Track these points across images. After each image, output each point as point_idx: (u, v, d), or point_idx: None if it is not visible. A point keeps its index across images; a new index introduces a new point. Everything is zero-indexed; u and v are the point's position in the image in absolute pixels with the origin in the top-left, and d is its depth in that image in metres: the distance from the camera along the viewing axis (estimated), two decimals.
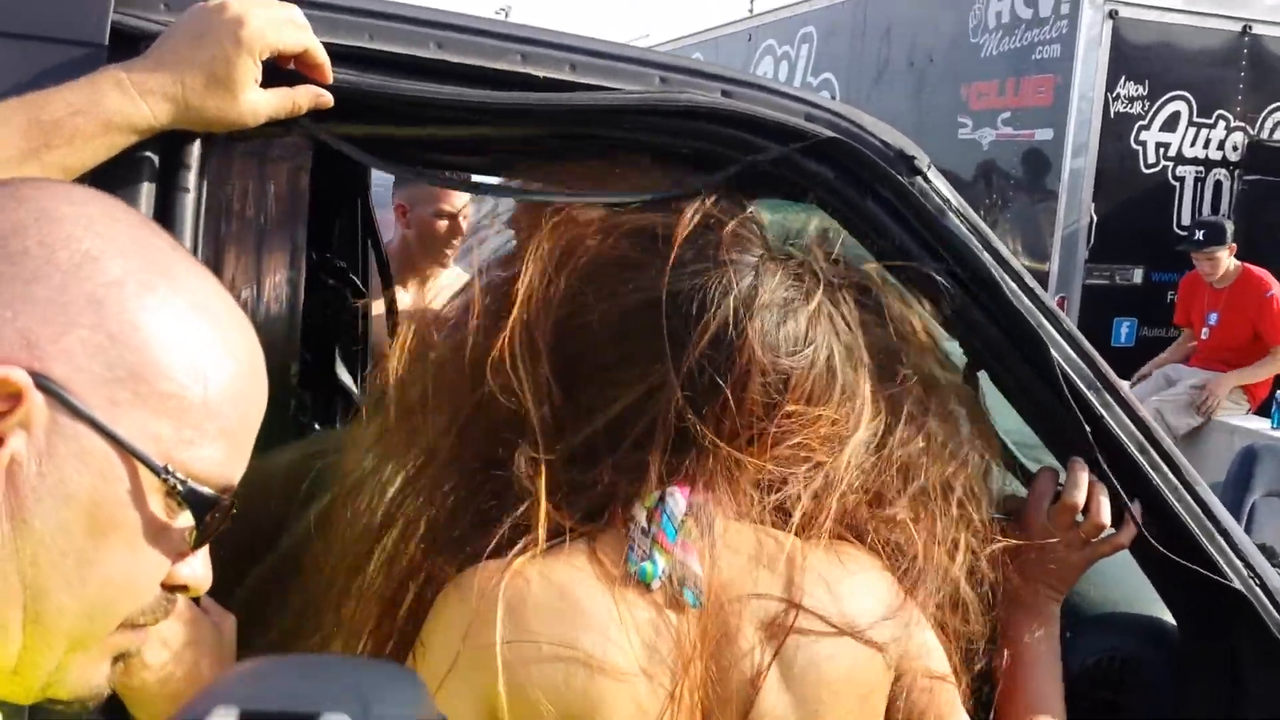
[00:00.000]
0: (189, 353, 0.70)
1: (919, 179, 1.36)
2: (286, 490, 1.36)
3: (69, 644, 0.71)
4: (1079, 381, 1.39)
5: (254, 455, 0.78)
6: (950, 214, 1.37)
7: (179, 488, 0.70)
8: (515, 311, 1.13)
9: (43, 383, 0.65)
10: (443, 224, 3.35)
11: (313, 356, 2.53)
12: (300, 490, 1.35)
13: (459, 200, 3.37)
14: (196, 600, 1.16)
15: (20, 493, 0.66)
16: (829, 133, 1.33)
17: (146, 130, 1.13)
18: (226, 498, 0.74)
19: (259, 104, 1.16)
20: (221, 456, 0.73)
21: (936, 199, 1.36)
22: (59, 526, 0.67)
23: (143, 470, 0.69)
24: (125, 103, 1.11)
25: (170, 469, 0.70)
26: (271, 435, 1.96)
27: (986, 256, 1.38)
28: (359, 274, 2.86)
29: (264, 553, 1.32)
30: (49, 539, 0.67)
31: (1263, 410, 6.52)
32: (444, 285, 3.45)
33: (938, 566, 1.18)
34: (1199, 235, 6.77)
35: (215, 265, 1.52)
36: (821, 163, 1.35)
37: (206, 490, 0.72)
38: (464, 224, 3.38)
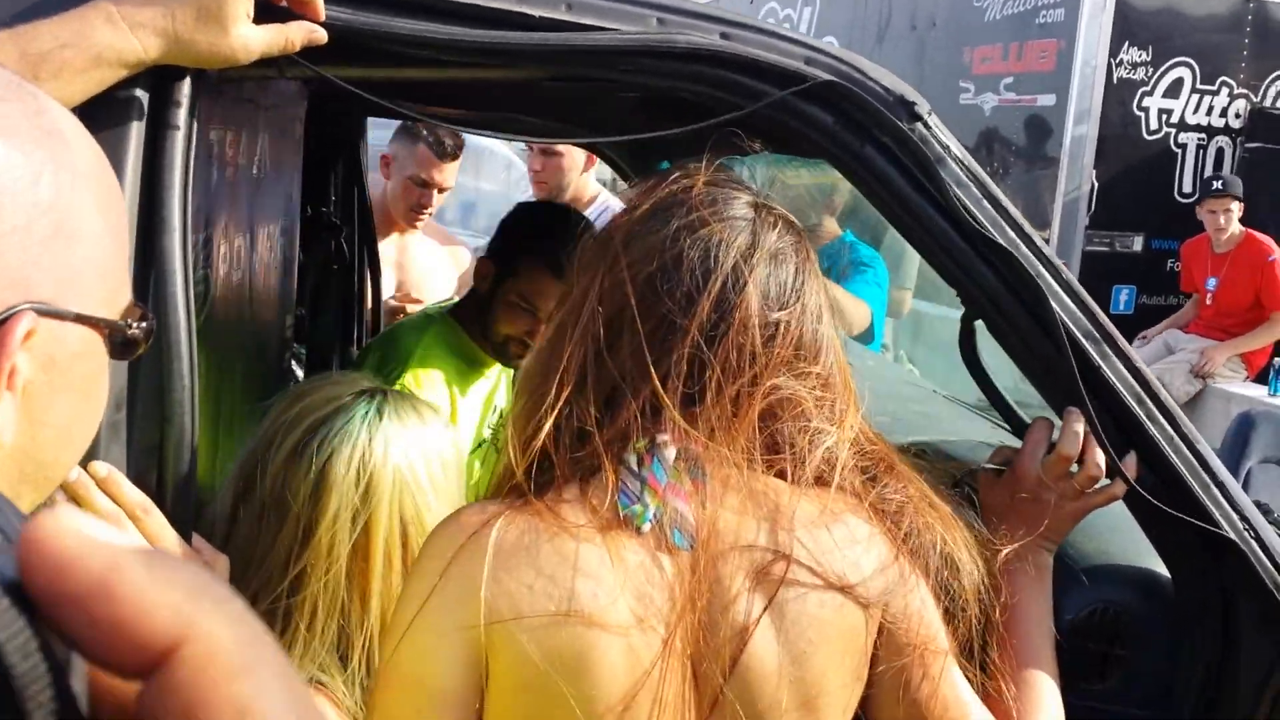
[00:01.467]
0: (103, 219, 0.73)
1: (919, 125, 1.35)
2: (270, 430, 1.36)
3: (58, 484, 0.78)
4: (1077, 332, 1.39)
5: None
6: (950, 161, 1.35)
7: (138, 333, 0.77)
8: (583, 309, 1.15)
9: (41, 309, 0.68)
10: (414, 191, 3.31)
11: (307, 311, 2.53)
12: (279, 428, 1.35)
13: (440, 174, 3.28)
14: (189, 540, 1.16)
15: (35, 403, 0.70)
16: (828, 76, 1.31)
17: (136, 64, 1.11)
18: (150, 316, 0.80)
19: (250, 39, 1.15)
20: (129, 285, 0.79)
21: (936, 145, 1.35)
22: (65, 415, 0.73)
23: (107, 331, 0.74)
24: (115, 36, 1.09)
25: (128, 321, 0.76)
26: (267, 388, 1.96)
27: (986, 205, 1.37)
28: (350, 228, 2.86)
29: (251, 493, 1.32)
30: (60, 428, 0.73)
31: (1260, 378, 6.52)
32: (406, 245, 3.45)
33: (931, 525, 1.17)
34: (1217, 184, 6.74)
35: (207, 213, 1.51)
36: (821, 108, 1.33)
37: (145, 324, 0.78)
38: (437, 197, 3.32)
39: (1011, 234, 1.37)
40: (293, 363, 2.31)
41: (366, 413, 1.33)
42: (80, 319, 0.71)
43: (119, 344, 0.76)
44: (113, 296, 0.74)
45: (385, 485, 1.30)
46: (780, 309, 1.13)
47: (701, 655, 1.05)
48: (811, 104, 1.32)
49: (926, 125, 1.35)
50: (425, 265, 3.53)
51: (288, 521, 1.29)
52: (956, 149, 1.37)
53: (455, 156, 3.29)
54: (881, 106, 1.33)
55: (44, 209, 0.68)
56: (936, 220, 1.35)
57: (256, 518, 1.31)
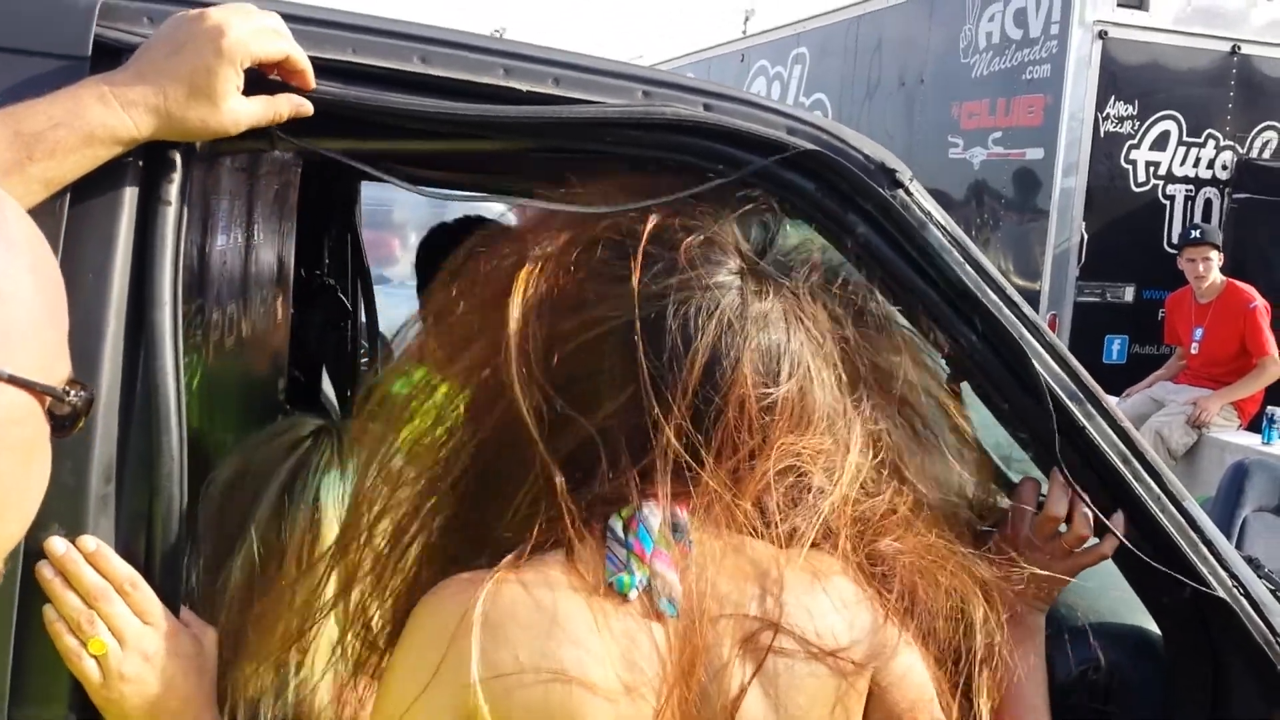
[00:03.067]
0: (35, 286, 0.73)
1: (900, 192, 1.36)
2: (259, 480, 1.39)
3: (4, 555, 0.76)
4: (1061, 393, 1.40)
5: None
6: (932, 226, 1.37)
7: (76, 402, 0.76)
8: (512, 335, 1.12)
9: None
10: None
11: (301, 373, 2.53)
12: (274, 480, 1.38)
13: None
14: (177, 613, 1.16)
15: None
16: (810, 145, 1.34)
17: (129, 141, 1.13)
18: (90, 389, 0.80)
19: (240, 113, 1.17)
20: (68, 360, 0.79)
21: (918, 211, 1.37)
22: (2, 480, 0.71)
23: (47, 399, 0.74)
24: (107, 114, 1.11)
25: (66, 390, 0.75)
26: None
27: (969, 269, 1.38)
28: (346, 293, 2.88)
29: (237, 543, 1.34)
30: None
31: (1253, 426, 6.54)
32: None
33: (923, 589, 1.17)
34: (1195, 234, 6.82)
35: (199, 280, 1.52)
36: (803, 176, 1.35)
37: (84, 394, 0.78)
38: None
39: (994, 297, 1.39)
40: None
41: (335, 446, 1.41)
42: (12, 380, 0.70)
43: (56, 417, 0.75)
44: (49, 365, 0.74)
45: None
46: (774, 382, 1.13)
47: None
48: (794, 172, 1.34)
49: (908, 192, 1.36)
50: None
51: (286, 563, 1.32)
52: (938, 214, 1.39)
53: None
54: (863, 174, 1.35)
55: None
56: (919, 285, 1.37)
57: (250, 574, 1.33)
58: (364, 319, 3.03)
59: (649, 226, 1.17)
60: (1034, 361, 1.38)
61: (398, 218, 9.44)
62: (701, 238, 1.17)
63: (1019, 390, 1.39)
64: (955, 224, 1.42)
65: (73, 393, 0.76)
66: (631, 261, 1.15)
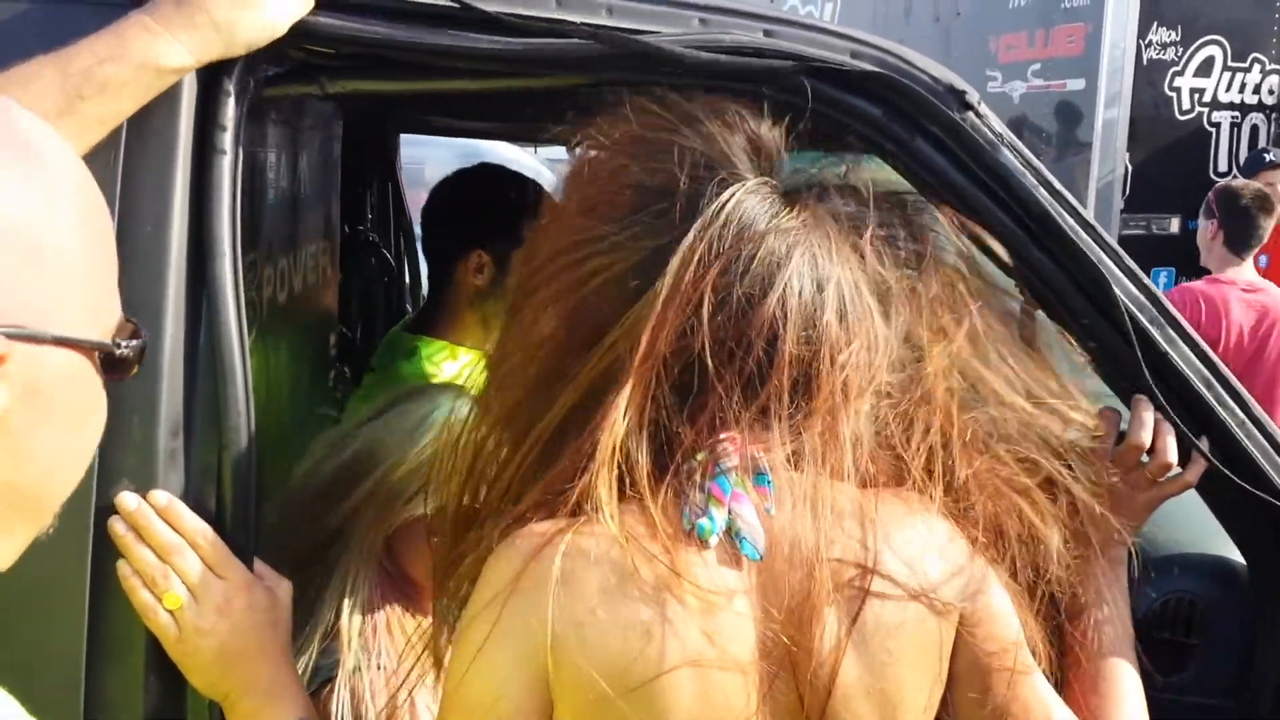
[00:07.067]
0: (81, 235, 0.70)
1: (970, 114, 1.32)
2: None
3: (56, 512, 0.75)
4: (1142, 317, 1.35)
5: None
6: (1003, 148, 1.32)
7: (129, 353, 0.74)
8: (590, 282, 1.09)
9: (12, 332, 0.65)
10: None
11: (351, 330, 2.53)
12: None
13: None
14: (250, 566, 1.15)
15: (17, 436, 0.66)
16: (876, 69, 1.29)
17: (178, 67, 1.11)
18: (143, 332, 0.77)
19: (281, 13, 1.16)
20: (119, 302, 0.76)
21: (989, 133, 1.32)
22: (54, 444, 0.70)
23: (96, 353, 0.72)
24: (153, 41, 1.09)
25: (116, 341, 0.73)
26: (311, 408, 1.95)
27: (1042, 192, 1.34)
28: (390, 244, 2.86)
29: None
30: (47, 459, 0.70)
31: None
32: None
33: (1008, 525, 1.14)
34: (1268, 157, 6.65)
35: (251, 236, 1.50)
36: (869, 101, 1.31)
37: (136, 342, 0.75)
38: None
39: (1071, 220, 1.34)
40: (337, 381, 2.30)
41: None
42: (60, 342, 0.67)
43: (110, 364, 0.73)
44: (97, 315, 0.72)
45: None
46: (819, 322, 1.07)
47: (788, 665, 1.02)
48: (859, 97, 1.29)
49: (978, 114, 1.32)
50: None
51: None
52: (1008, 136, 1.34)
53: None
54: (931, 96, 1.30)
55: (7, 228, 0.65)
56: (993, 210, 1.32)
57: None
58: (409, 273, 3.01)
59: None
60: (1114, 286, 1.33)
61: (429, 175, 9.41)
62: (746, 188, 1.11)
63: (1098, 315, 1.35)
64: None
65: (124, 343, 0.73)
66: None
